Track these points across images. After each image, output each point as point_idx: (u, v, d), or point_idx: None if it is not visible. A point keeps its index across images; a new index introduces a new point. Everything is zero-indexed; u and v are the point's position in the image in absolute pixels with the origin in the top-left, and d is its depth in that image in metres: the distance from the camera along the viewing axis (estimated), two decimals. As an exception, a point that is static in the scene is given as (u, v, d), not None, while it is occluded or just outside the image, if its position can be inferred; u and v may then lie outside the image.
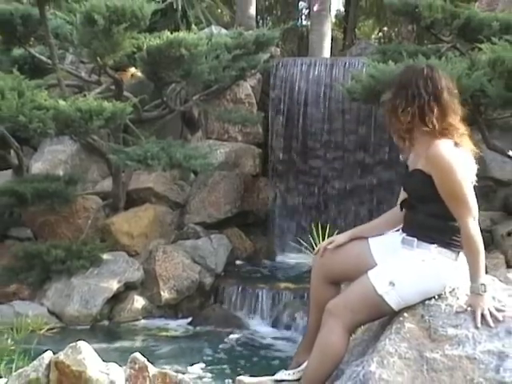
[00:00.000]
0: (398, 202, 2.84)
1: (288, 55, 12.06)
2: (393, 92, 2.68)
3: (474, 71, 5.93)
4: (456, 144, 2.60)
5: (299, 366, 2.85)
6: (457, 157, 2.57)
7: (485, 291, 2.54)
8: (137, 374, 3.11)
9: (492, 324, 2.50)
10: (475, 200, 2.58)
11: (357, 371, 2.57)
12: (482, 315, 2.51)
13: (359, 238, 2.85)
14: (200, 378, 4.97)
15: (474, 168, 2.66)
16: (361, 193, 8.50)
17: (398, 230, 2.81)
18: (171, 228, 7.78)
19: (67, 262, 6.63)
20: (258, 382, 2.91)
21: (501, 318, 2.51)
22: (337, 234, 2.99)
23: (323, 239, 6.22)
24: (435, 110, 2.59)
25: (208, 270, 7.17)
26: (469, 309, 2.55)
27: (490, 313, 2.51)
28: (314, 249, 6.24)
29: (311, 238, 6.43)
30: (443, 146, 2.57)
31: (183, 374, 3.29)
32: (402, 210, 2.81)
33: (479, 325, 2.50)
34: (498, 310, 2.54)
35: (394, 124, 2.67)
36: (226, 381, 4.83)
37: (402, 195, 2.83)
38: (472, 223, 2.55)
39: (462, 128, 2.65)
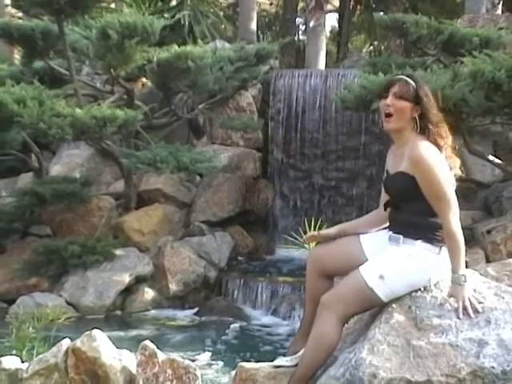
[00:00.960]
0: (381, 204, 2.85)
1: (286, 67, 12.06)
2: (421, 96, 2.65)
3: (457, 82, 5.93)
4: (439, 148, 2.62)
5: (296, 353, 2.86)
6: (439, 158, 2.59)
7: (465, 281, 2.55)
8: (147, 360, 3.12)
9: (472, 315, 2.51)
10: (456, 198, 2.60)
11: (349, 357, 2.57)
12: (464, 306, 2.52)
13: (351, 235, 2.86)
14: (206, 364, 4.97)
15: (453, 171, 2.67)
16: (351, 192, 8.51)
17: (385, 229, 2.82)
18: (178, 226, 7.77)
19: (83, 257, 6.63)
20: (259, 367, 2.91)
21: (480, 310, 2.52)
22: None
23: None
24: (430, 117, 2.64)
25: (212, 265, 7.17)
26: (451, 299, 2.56)
27: (471, 304, 2.53)
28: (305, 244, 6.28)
29: (304, 235, 6.46)
30: (426, 148, 2.58)
31: (192, 360, 3.28)
32: (385, 210, 2.81)
33: (461, 316, 2.51)
34: (479, 302, 2.55)
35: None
36: (229, 366, 4.83)
37: (384, 197, 2.84)
38: (453, 219, 2.56)
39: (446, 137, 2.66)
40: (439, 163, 2.57)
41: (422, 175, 2.57)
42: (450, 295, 2.57)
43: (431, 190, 2.57)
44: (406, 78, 2.69)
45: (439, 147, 2.62)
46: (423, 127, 2.63)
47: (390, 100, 2.65)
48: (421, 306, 2.60)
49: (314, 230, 3.06)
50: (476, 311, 2.52)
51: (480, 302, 2.55)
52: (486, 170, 7.38)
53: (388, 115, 2.66)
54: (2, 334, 4.47)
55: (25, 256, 6.86)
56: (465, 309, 2.51)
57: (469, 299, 2.53)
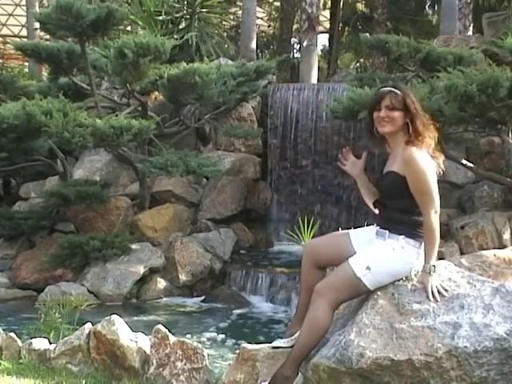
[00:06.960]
0: (371, 202, 2.86)
1: (282, 82, 12.03)
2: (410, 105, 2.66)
3: (434, 95, 5.94)
4: (428, 148, 2.64)
5: (292, 335, 2.86)
6: (427, 160, 2.60)
7: (434, 271, 2.57)
8: (160, 342, 3.12)
9: (439, 298, 2.54)
10: (438, 197, 2.61)
11: (339, 339, 2.58)
12: (431, 292, 2.55)
13: (341, 232, 2.87)
14: (211, 345, 4.97)
15: (438, 168, 2.69)
16: (340, 193, 8.50)
17: (372, 224, 2.83)
18: (187, 223, 7.76)
19: (103, 251, 6.62)
20: (259, 348, 2.92)
21: (446, 294, 2.55)
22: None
23: (307, 231, 6.25)
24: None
25: (217, 258, 7.16)
26: (420, 285, 2.59)
27: (438, 290, 2.56)
28: (300, 238, 6.28)
29: (298, 231, 6.46)
30: (418, 151, 2.59)
31: (198, 342, 3.28)
32: (375, 208, 2.82)
33: (431, 298, 2.54)
34: (445, 289, 2.57)
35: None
36: (232, 348, 4.82)
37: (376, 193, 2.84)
38: (433, 216, 2.58)
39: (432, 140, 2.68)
40: (428, 165, 2.59)
41: (412, 174, 2.58)
42: (420, 282, 2.59)
43: (419, 187, 2.58)
44: (394, 90, 2.70)
45: (428, 147, 2.64)
46: (414, 129, 2.64)
47: (383, 113, 2.67)
48: (402, 294, 2.61)
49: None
50: (442, 296, 2.55)
51: (446, 290, 2.57)
52: (460, 172, 7.39)
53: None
54: (32, 319, 4.49)
55: (52, 250, 6.85)
56: (432, 294, 2.54)
57: (436, 286, 2.55)
